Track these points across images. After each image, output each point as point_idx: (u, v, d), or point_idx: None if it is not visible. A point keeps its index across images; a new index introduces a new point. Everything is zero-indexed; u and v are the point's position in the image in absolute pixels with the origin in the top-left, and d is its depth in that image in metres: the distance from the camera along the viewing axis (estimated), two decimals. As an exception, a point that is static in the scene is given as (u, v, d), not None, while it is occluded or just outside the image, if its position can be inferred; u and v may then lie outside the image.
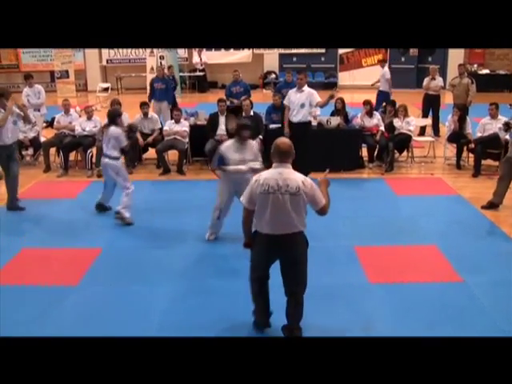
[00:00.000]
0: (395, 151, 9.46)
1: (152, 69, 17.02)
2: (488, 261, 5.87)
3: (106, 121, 7.20)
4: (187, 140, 9.45)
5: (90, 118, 9.52)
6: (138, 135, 9.61)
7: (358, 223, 6.94)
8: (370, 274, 5.56)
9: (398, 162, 9.80)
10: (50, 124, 11.29)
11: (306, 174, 4.47)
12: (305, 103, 8.40)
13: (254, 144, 6.32)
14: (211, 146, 9.35)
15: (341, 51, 20.23)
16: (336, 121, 9.36)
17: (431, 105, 11.68)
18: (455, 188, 8.39)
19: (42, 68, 19.93)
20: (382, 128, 9.54)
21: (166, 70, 12.67)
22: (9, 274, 5.65)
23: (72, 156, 9.65)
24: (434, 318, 4.75)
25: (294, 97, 8.50)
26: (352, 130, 9.55)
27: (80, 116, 10.13)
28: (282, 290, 4.41)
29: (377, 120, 9.61)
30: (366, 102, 9.80)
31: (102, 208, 7.34)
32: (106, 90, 18.18)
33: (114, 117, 7.06)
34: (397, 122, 9.54)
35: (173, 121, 9.58)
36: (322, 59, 20.24)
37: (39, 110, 10.72)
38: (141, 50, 19.45)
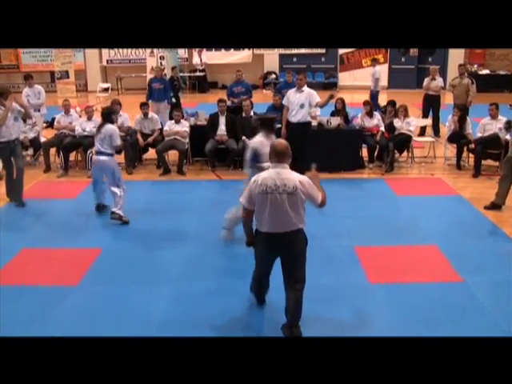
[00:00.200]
0: (395, 151, 9.47)
1: (152, 69, 17.05)
2: (488, 261, 5.87)
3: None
4: (187, 140, 9.45)
5: (90, 118, 9.51)
6: (139, 135, 9.63)
7: (359, 223, 6.94)
8: (370, 274, 5.56)
9: (399, 162, 9.80)
10: (50, 124, 11.31)
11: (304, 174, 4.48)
12: (304, 103, 8.38)
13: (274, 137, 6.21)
14: (211, 147, 9.37)
15: (341, 51, 20.25)
16: (336, 121, 9.37)
17: (431, 105, 11.69)
18: (455, 188, 8.39)
19: (42, 68, 19.95)
20: (382, 128, 9.54)
21: (167, 71, 12.68)
22: (9, 274, 5.65)
23: (72, 156, 9.66)
24: (434, 317, 4.75)
25: (293, 97, 8.47)
26: (352, 131, 9.55)
27: (80, 116, 10.14)
28: (282, 292, 4.43)
29: (377, 120, 9.62)
30: (366, 103, 9.83)
31: (101, 208, 7.31)
32: (106, 90, 18.20)
33: (109, 114, 7.08)
34: (397, 123, 9.54)
35: (173, 121, 9.59)
36: (323, 59, 20.26)
37: (39, 111, 10.71)
38: (141, 50, 19.47)
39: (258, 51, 19.83)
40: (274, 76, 19.99)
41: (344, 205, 7.55)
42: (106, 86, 18.49)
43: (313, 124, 8.94)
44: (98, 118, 9.69)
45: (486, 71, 19.07)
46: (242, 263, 5.20)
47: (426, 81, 11.75)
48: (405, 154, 9.89)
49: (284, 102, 8.67)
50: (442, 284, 5.38)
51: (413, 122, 9.63)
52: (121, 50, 20.19)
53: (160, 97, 11.38)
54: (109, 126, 6.93)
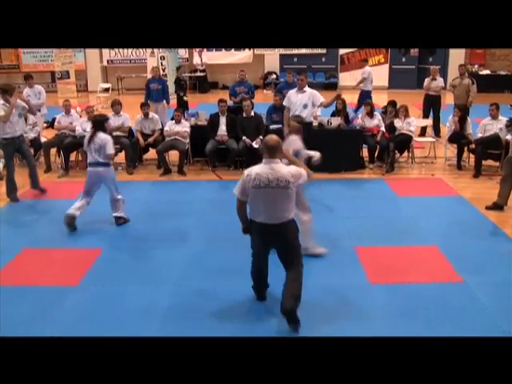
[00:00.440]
0: (396, 152, 9.46)
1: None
2: (488, 261, 5.87)
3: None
4: (188, 140, 9.46)
5: (90, 118, 9.51)
6: (139, 135, 9.64)
7: (359, 223, 6.94)
8: (371, 275, 5.56)
9: (399, 162, 9.80)
10: (50, 124, 11.31)
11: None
12: (307, 104, 8.34)
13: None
14: (212, 147, 9.38)
15: (342, 52, 20.27)
16: (337, 121, 9.37)
17: (432, 105, 11.69)
18: (456, 188, 8.38)
19: (42, 68, 19.99)
20: (383, 128, 9.55)
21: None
22: (9, 274, 5.65)
23: (72, 156, 9.67)
24: (435, 317, 4.74)
25: (294, 97, 8.43)
26: (353, 131, 9.56)
27: (81, 116, 10.16)
28: (280, 289, 4.43)
29: (377, 120, 9.62)
30: (367, 103, 9.82)
31: (73, 220, 6.70)
32: (106, 90, 18.21)
33: (101, 122, 6.81)
34: (397, 123, 9.54)
35: (173, 121, 9.59)
36: (323, 60, 20.28)
37: (40, 111, 10.69)
38: (141, 50, 19.48)
39: (258, 51, 19.85)
40: (274, 76, 20.00)
41: (344, 205, 7.55)
42: (106, 86, 18.50)
43: (313, 124, 8.94)
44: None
45: (486, 71, 19.08)
46: (242, 264, 5.20)
47: (427, 81, 11.75)
48: (405, 154, 9.89)
49: (285, 103, 8.61)
50: (442, 284, 5.37)
51: (413, 123, 9.63)
52: (121, 50, 20.21)
53: (158, 97, 11.38)
54: (102, 136, 6.68)
